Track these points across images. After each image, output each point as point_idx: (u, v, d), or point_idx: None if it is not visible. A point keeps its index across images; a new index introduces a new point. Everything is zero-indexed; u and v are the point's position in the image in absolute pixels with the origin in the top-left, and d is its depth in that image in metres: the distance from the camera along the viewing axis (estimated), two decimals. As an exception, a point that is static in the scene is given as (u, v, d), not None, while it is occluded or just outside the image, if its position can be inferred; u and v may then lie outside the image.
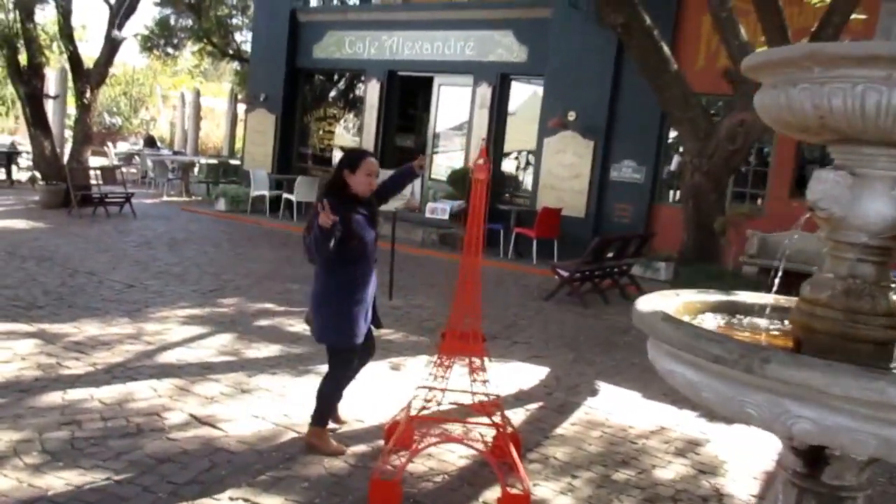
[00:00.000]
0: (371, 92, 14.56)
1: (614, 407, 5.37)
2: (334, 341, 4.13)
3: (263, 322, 6.96)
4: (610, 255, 9.17)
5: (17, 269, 8.50)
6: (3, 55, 13.38)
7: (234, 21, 20.00)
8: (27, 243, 10.13)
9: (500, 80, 13.00)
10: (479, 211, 3.88)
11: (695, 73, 10.97)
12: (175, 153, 21.80)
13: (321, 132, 16.32)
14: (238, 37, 20.40)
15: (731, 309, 3.59)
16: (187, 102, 24.84)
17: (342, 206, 3.83)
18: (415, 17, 13.94)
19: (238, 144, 23.46)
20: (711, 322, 3.45)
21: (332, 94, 16.58)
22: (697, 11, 11.07)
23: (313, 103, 16.42)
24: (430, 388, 4.05)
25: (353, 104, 16.06)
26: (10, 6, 13.22)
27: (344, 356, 4.18)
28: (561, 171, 12.13)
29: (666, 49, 8.33)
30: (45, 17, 14.06)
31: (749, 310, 3.57)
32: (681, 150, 10.71)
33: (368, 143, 14.59)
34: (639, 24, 8.08)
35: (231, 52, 20.55)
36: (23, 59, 13.68)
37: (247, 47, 20.38)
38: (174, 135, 27.28)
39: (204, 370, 5.39)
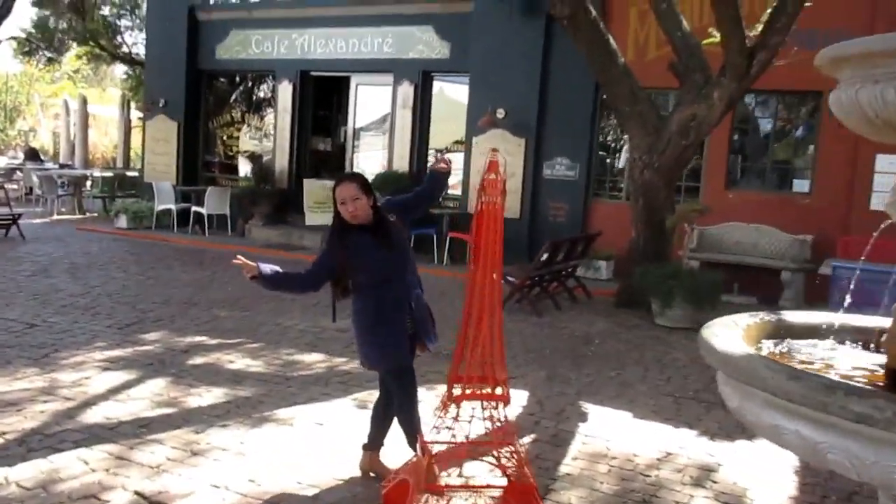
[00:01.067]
0: (283, 94, 13.66)
1: (610, 433, 4.91)
2: (384, 365, 3.86)
3: (198, 359, 6.12)
4: (558, 257, 8.77)
5: None
6: None
7: (123, 21, 18.49)
8: None
9: (422, 77, 12.42)
10: (495, 235, 3.30)
11: (643, 64, 10.75)
12: (62, 166, 20.04)
13: (228, 138, 15.26)
14: (128, 38, 18.92)
15: (791, 332, 3.17)
16: (72, 110, 22.98)
17: (337, 237, 3.75)
18: (328, 13, 13.14)
19: (133, 154, 21.88)
20: (768, 347, 3.02)
21: (239, 97, 15.52)
22: (624, 4, 10.85)
23: (218, 108, 15.33)
24: (439, 442, 3.46)
25: (263, 107, 15.08)
26: None
27: (402, 377, 3.85)
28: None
29: (613, 42, 7.98)
30: None
31: (813, 332, 3.16)
32: (624, 146, 10.48)
33: (282, 147, 13.71)
34: (585, 17, 7.69)
35: (121, 54, 19.02)
36: None
37: (138, 49, 18.94)
38: (59, 146, 25.23)
39: (141, 429, 4.56)
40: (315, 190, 6.95)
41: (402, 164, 12.49)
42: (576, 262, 9.33)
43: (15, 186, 18.88)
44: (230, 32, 14.10)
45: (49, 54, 18.07)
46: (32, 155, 21.22)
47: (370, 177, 13.20)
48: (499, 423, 3.50)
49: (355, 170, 13.46)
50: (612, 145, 11.65)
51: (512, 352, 6.74)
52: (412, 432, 3.81)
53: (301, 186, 13.66)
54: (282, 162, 13.70)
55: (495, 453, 3.58)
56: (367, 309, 3.73)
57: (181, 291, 8.79)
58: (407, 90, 12.45)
